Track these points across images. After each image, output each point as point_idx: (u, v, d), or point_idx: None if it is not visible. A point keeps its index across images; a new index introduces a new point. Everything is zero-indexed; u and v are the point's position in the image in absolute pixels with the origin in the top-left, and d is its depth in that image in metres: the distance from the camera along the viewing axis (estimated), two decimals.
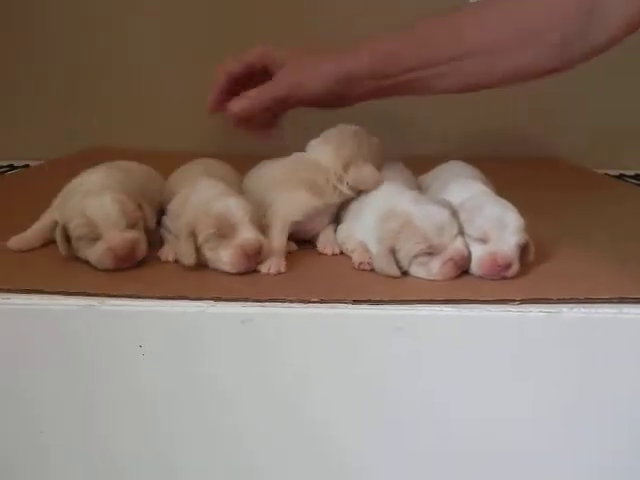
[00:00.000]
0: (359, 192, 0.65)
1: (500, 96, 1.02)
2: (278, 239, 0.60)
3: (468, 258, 0.55)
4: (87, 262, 0.56)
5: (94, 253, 0.55)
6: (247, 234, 0.55)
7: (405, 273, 0.56)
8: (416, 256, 0.55)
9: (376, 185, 0.64)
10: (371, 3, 1.16)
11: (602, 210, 0.80)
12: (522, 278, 0.55)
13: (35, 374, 0.51)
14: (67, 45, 1.19)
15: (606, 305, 0.51)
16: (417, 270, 0.56)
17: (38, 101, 1.21)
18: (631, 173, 1.13)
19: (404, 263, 0.55)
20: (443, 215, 0.56)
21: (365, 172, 0.64)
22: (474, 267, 0.55)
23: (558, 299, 0.51)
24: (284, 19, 1.17)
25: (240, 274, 0.55)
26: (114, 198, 0.56)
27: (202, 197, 0.58)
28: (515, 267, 0.55)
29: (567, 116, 1.19)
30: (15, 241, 0.60)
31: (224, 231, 0.55)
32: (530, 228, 0.57)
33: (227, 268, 0.55)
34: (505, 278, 0.55)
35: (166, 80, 1.19)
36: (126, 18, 1.18)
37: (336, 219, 0.66)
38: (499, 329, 0.51)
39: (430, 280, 0.55)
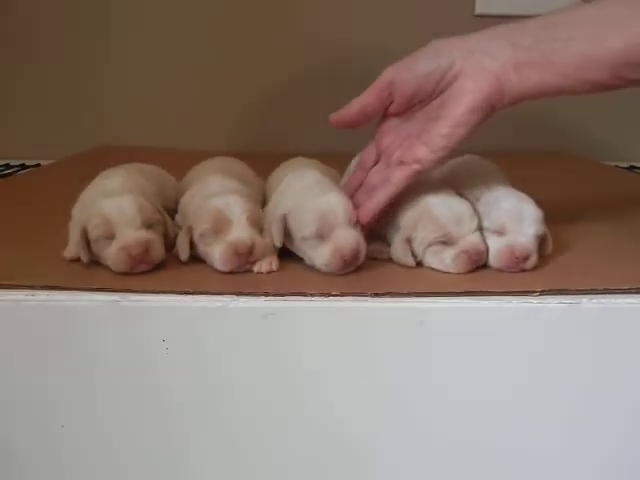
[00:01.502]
0: None
1: None
2: (270, 236, 0.57)
3: (484, 254, 0.55)
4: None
5: (109, 253, 0.54)
6: (240, 232, 0.55)
7: (419, 264, 0.56)
8: (430, 244, 0.55)
9: None
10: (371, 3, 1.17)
11: (616, 202, 0.81)
12: (540, 270, 0.56)
13: (57, 369, 0.52)
14: (75, 43, 1.19)
15: (625, 296, 0.51)
16: (430, 260, 0.55)
17: (48, 101, 1.21)
18: None
19: (418, 251, 0.55)
20: (463, 207, 0.56)
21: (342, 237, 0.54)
22: (492, 259, 0.55)
23: (577, 290, 0.51)
24: (284, 18, 1.17)
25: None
26: (133, 199, 0.55)
27: (207, 194, 0.58)
28: (533, 259, 0.55)
29: (576, 108, 1.19)
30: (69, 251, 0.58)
31: (219, 227, 0.55)
32: (546, 220, 0.57)
33: (217, 265, 0.54)
34: (523, 270, 0.55)
35: (173, 78, 1.19)
36: (143, 12, 1.18)
37: None
38: (519, 320, 0.51)
39: (448, 273, 0.55)
